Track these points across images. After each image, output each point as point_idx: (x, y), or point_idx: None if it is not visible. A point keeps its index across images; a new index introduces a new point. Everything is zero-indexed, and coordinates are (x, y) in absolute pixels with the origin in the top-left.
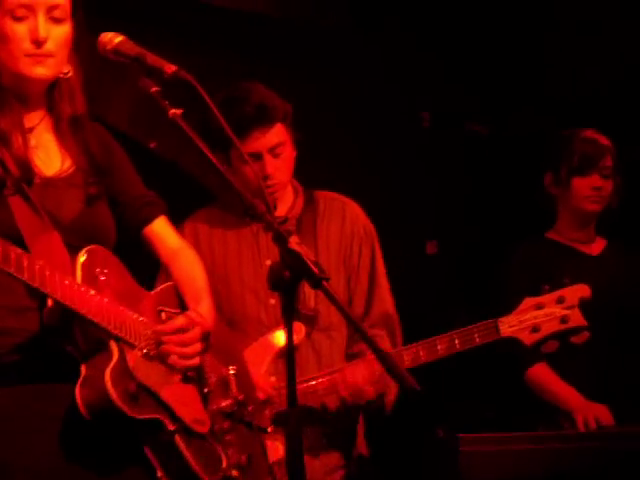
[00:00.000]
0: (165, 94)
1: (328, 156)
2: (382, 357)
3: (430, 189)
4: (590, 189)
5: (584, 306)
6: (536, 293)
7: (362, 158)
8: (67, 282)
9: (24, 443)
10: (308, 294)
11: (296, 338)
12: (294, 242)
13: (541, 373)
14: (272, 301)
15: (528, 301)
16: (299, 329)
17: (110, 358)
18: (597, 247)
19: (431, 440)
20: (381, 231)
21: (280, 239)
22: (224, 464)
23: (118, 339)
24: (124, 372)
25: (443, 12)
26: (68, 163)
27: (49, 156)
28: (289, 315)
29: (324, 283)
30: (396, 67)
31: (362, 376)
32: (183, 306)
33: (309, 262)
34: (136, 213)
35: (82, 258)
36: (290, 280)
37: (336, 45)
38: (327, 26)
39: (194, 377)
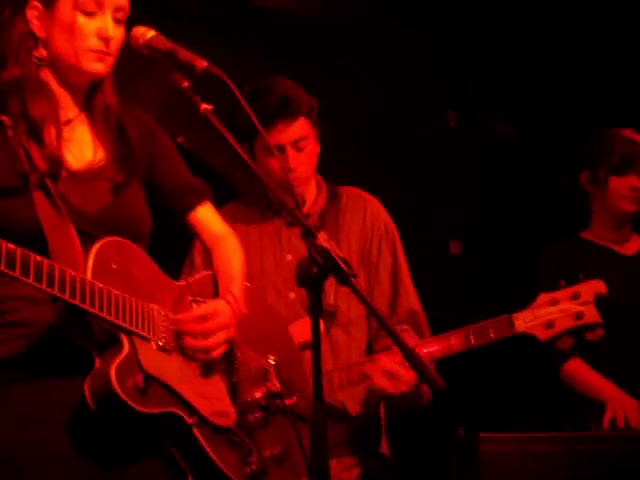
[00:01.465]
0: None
1: (353, 154)
2: (408, 353)
3: (455, 189)
4: (628, 189)
5: (600, 302)
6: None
7: (388, 156)
8: (75, 276)
9: (47, 436)
10: (328, 290)
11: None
12: (323, 238)
13: (577, 367)
14: (292, 296)
15: (543, 296)
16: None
17: (120, 351)
18: (632, 247)
19: (451, 439)
20: (405, 230)
21: (309, 235)
22: (254, 457)
23: (129, 332)
24: (133, 366)
25: (471, 10)
26: (100, 155)
27: (81, 149)
28: (316, 311)
29: (352, 280)
30: (423, 66)
31: (398, 362)
32: None
33: (338, 259)
34: (180, 200)
35: (95, 251)
36: (317, 276)
37: (362, 43)
38: (353, 24)
39: (220, 368)
